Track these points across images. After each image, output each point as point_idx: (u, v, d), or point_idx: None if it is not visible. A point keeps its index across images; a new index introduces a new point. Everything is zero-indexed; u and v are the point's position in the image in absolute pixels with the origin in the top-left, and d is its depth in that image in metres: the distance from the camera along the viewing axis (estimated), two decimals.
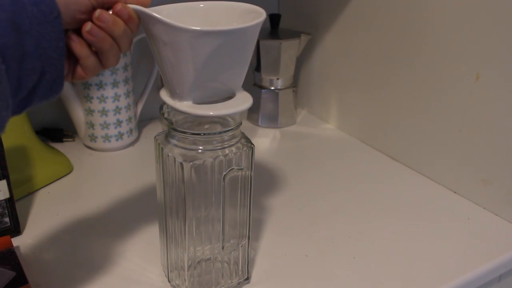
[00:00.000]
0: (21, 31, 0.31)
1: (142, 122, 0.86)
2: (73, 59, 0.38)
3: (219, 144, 0.42)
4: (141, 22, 0.39)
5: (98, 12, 0.36)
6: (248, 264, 0.48)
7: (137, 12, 0.38)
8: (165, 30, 0.37)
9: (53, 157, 0.69)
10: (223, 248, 0.46)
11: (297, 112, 0.93)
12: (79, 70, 0.38)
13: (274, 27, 0.85)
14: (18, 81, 0.33)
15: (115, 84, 0.73)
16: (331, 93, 0.86)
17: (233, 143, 0.43)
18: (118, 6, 0.37)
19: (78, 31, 0.37)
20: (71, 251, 0.53)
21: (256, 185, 0.64)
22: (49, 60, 0.34)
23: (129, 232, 0.57)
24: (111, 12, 0.37)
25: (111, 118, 0.74)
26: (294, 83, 0.88)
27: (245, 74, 0.43)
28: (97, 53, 0.38)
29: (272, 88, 0.86)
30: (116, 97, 0.73)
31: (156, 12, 0.37)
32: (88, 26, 0.36)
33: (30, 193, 0.64)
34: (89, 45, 0.37)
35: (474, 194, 0.63)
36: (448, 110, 0.64)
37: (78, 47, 0.36)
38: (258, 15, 0.40)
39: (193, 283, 0.46)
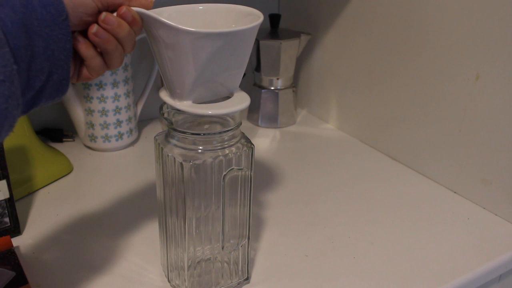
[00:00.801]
0: (30, 33, 0.32)
1: (142, 122, 0.86)
2: (79, 61, 0.39)
3: (219, 144, 0.43)
4: (144, 26, 0.39)
5: (103, 14, 0.37)
6: (248, 264, 0.48)
7: (140, 14, 0.38)
8: (167, 32, 0.38)
9: (53, 157, 0.69)
10: (223, 248, 0.46)
11: (297, 112, 0.93)
12: (84, 71, 0.39)
13: (274, 27, 0.85)
14: (27, 81, 0.33)
15: (115, 84, 0.73)
16: (331, 93, 0.86)
17: (233, 143, 0.43)
18: (123, 9, 0.37)
19: (83, 33, 0.38)
20: (71, 251, 0.53)
21: (256, 185, 0.64)
22: (56, 61, 0.35)
23: (129, 232, 0.57)
24: (115, 15, 0.37)
25: (111, 118, 0.74)
26: (294, 83, 0.88)
27: (242, 75, 0.43)
28: (102, 54, 0.39)
29: (272, 88, 0.86)
30: (116, 97, 0.73)
31: (157, 14, 0.38)
32: (94, 28, 0.37)
33: (30, 193, 0.64)
34: (94, 46, 0.38)
35: (474, 194, 0.63)
36: (448, 110, 0.64)
37: (84, 48, 0.37)
38: (255, 18, 0.41)
39: (193, 283, 0.46)
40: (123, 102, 0.75)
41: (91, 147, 0.77)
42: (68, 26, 0.34)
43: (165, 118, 0.43)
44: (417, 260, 0.53)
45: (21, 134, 0.65)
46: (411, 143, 0.71)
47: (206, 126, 0.45)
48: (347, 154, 0.78)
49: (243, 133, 0.46)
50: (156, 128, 0.85)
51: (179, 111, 0.42)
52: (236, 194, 0.45)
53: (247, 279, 0.49)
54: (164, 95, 0.43)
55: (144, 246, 0.54)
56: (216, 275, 0.47)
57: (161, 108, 0.44)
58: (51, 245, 0.54)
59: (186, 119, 0.44)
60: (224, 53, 0.39)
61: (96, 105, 0.73)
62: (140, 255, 0.53)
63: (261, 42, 0.81)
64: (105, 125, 0.74)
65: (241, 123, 0.44)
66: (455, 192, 0.66)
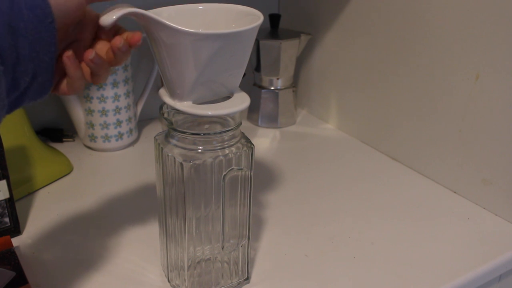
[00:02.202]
0: (16, 35, 0.32)
1: (142, 122, 0.86)
2: (58, 74, 0.38)
3: (219, 144, 0.43)
4: (144, 26, 0.39)
5: (121, 43, 0.37)
6: (248, 264, 0.48)
7: (141, 15, 0.38)
8: (167, 33, 0.38)
9: (53, 157, 0.69)
10: (223, 248, 0.46)
11: (297, 112, 0.93)
12: (63, 86, 0.39)
13: (274, 27, 0.85)
14: (12, 82, 0.33)
15: (115, 84, 0.73)
16: (331, 93, 0.86)
17: (233, 143, 0.43)
18: (138, 39, 0.37)
19: (72, 46, 0.38)
20: (71, 251, 0.53)
21: (256, 185, 0.64)
22: (41, 63, 0.34)
23: (129, 232, 0.57)
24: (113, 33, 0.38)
25: (111, 118, 0.74)
26: (294, 83, 0.88)
27: (242, 75, 0.43)
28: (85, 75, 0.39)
29: (272, 88, 0.86)
30: (116, 97, 0.74)
31: (157, 14, 0.38)
32: (92, 54, 0.37)
33: (30, 193, 0.64)
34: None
35: (474, 194, 0.63)
36: (448, 110, 0.64)
37: (73, 68, 0.37)
38: (255, 18, 0.41)
39: (193, 283, 0.46)
40: (123, 102, 0.75)
41: (91, 147, 0.77)
42: (54, 29, 0.34)
43: (165, 118, 0.43)
44: (417, 260, 0.53)
45: (21, 134, 0.64)
46: (411, 143, 0.71)
47: (206, 126, 0.45)
48: (347, 154, 0.78)
49: (243, 133, 0.46)
50: (156, 128, 0.85)
51: (179, 111, 0.42)
52: (236, 194, 0.45)
53: (247, 279, 0.49)
54: (164, 95, 0.43)
55: (144, 246, 0.54)
56: (216, 275, 0.47)
57: (161, 108, 0.44)
58: (51, 245, 0.54)
59: (186, 119, 0.44)
60: (224, 53, 0.39)
61: (96, 105, 0.73)
62: (140, 255, 0.53)
63: (261, 42, 0.81)
64: (105, 125, 0.74)
65: (241, 123, 0.44)
66: (455, 192, 0.66)
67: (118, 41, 0.37)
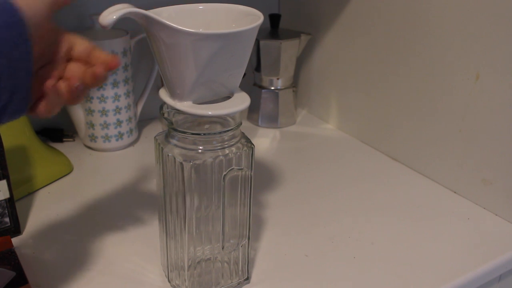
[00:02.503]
0: None
1: (142, 122, 0.86)
2: (35, 96, 0.38)
3: (219, 144, 0.43)
4: (144, 26, 0.39)
5: (102, 73, 0.37)
6: (248, 264, 0.48)
7: (141, 15, 0.38)
8: (167, 33, 0.38)
9: (53, 157, 0.69)
10: (223, 248, 0.46)
11: (297, 112, 0.93)
12: (40, 108, 0.39)
13: (274, 27, 0.85)
14: None
15: (115, 84, 0.73)
16: (331, 93, 0.86)
17: (233, 143, 0.43)
18: (113, 62, 0.38)
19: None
20: (71, 251, 0.53)
21: (256, 185, 0.64)
22: (18, 79, 0.35)
23: (129, 232, 0.57)
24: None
25: (111, 118, 0.74)
26: (294, 83, 0.88)
27: (242, 75, 0.43)
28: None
29: (272, 88, 0.86)
30: (116, 97, 0.73)
31: (157, 14, 0.38)
32: (77, 83, 0.38)
33: (30, 193, 0.64)
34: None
35: (474, 194, 0.63)
36: (448, 110, 0.64)
37: (54, 96, 0.38)
38: (255, 18, 0.41)
39: (193, 283, 0.46)
40: (123, 102, 0.75)
41: (91, 147, 0.77)
42: (30, 46, 0.34)
43: (165, 118, 0.43)
44: (417, 260, 0.53)
45: (21, 134, 0.65)
46: (411, 143, 0.71)
47: (206, 126, 0.45)
48: (347, 154, 0.78)
49: (243, 133, 0.46)
50: (156, 128, 0.85)
51: (179, 111, 0.42)
52: (236, 194, 0.45)
53: (247, 279, 0.49)
54: (164, 95, 0.43)
55: (144, 246, 0.54)
56: (216, 275, 0.47)
57: (161, 108, 0.44)
58: (51, 245, 0.54)
59: (186, 119, 0.44)
60: (224, 53, 0.39)
61: (96, 105, 0.73)
62: (140, 255, 0.53)
63: (261, 42, 0.81)
64: (105, 125, 0.74)
65: (241, 123, 0.44)
66: (455, 192, 0.66)
67: (100, 68, 0.37)
